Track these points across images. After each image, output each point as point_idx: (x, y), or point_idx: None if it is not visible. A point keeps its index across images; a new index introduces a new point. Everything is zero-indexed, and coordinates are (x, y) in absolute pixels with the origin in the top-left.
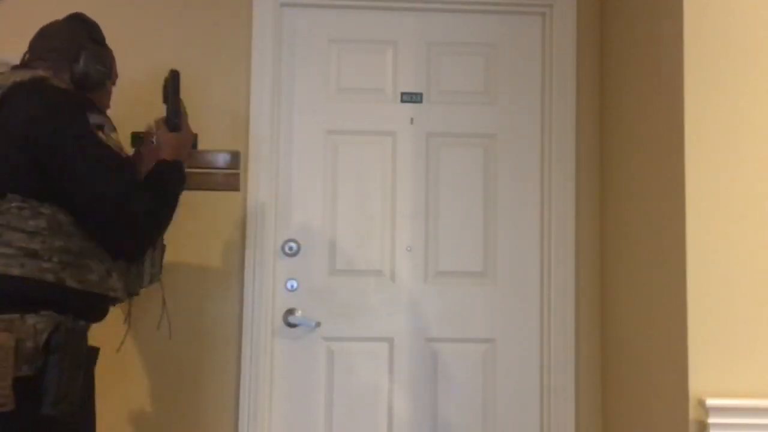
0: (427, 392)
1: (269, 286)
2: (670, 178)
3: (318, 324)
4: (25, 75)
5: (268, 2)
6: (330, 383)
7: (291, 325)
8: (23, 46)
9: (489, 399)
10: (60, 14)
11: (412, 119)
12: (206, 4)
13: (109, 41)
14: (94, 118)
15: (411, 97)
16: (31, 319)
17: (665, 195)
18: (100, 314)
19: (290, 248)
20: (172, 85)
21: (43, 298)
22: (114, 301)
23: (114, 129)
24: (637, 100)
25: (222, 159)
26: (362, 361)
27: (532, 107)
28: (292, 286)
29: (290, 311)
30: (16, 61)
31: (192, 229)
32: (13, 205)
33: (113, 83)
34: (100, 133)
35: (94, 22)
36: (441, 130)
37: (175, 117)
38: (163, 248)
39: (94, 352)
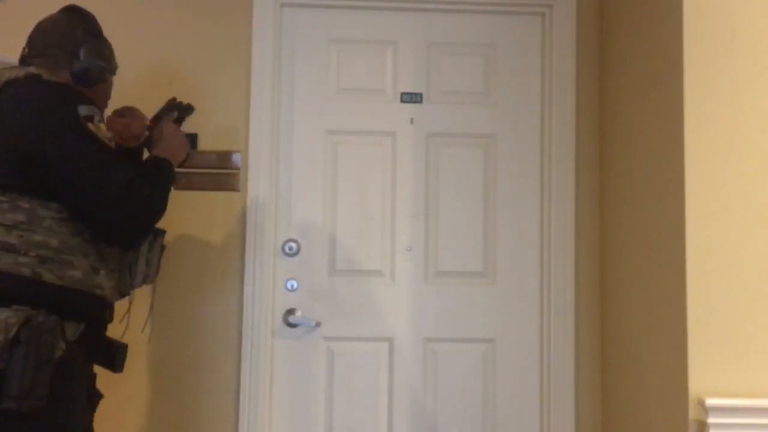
0: (427, 392)
1: (269, 286)
2: (670, 178)
3: (318, 324)
4: (19, 72)
5: (268, 2)
6: (330, 383)
7: (291, 325)
8: (23, 46)
9: (489, 399)
10: None
11: (412, 119)
12: (206, 5)
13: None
14: (83, 110)
15: (411, 97)
16: (3, 314)
17: (665, 195)
18: (92, 314)
19: (290, 248)
20: (179, 114)
21: (19, 293)
22: (103, 301)
23: (102, 120)
24: (636, 100)
25: (222, 159)
26: (362, 361)
27: (532, 107)
28: (292, 286)
29: (290, 311)
30: (17, 61)
31: (192, 229)
32: None
33: (113, 74)
34: (90, 125)
35: (90, 14)
36: (441, 130)
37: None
38: (161, 249)
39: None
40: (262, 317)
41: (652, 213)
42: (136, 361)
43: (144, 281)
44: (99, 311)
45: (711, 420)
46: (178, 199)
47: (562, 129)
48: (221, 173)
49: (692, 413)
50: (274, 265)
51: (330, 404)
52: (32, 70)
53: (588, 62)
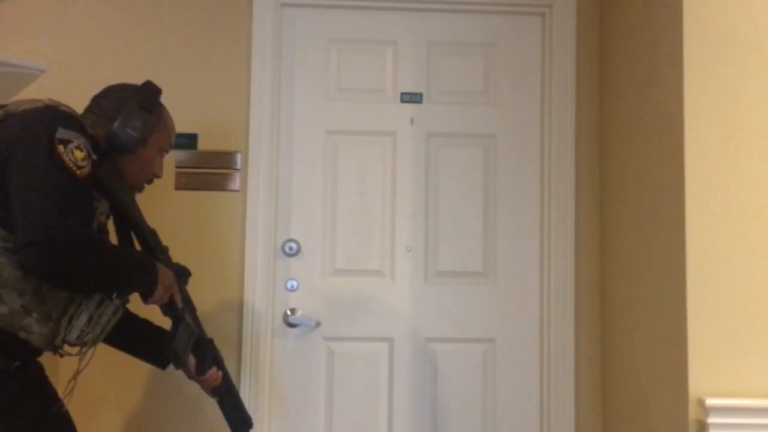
0: (427, 392)
1: (269, 286)
2: (670, 178)
3: (318, 324)
4: (38, 103)
5: (268, 2)
6: (330, 383)
7: (291, 325)
8: (23, 46)
9: (489, 399)
10: (58, 15)
11: (412, 119)
12: (206, 5)
13: (108, 43)
14: (62, 132)
15: (411, 97)
16: None
17: (665, 195)
18: (8, 353)
19: (290, 248)
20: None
21: None
22: (27, 345)
23: (81, 148)
24: (636, 99)
25: (222, 159)
26: (362, 361)
27: (532, 107)
28: (292, 286)
29: (290, 311)
30: (16, 61)
31: (192, 229)
32: None
33: (163, 152)
34: (61, 148)
35: (156, 90)
36: (441, 130)
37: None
38: (114, 313)
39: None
40: (262, 317)
41: (652, 213)
42: (136, 361)
43: (80, 339)
44: (21, 352)
45: (711, 420)
46: (178, 199)
47: (562, 129)
48: (221, 173)
49: (692, 413)
50: (274, 265)
51: (330, 404)
52: (47, 101)
53: (588, 62)
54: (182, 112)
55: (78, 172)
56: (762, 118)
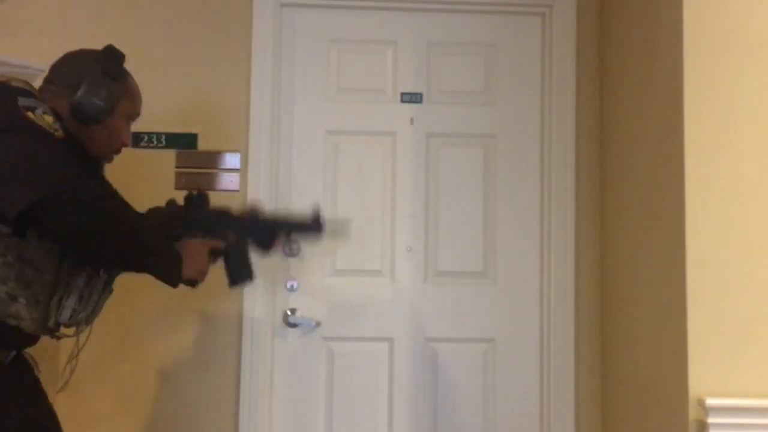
0: (427, 392)
1: (269, 286)
2: (669, 177)
3: (318, 324)
4: None
5: (268, 2)
6: (330, 383)
7: (291, 325)
8: (23, 46)
9: (489, 399)
10: (58, 15)
11: (412, 119)
12: (206, 5)
13: (108, 42)
14: (24, 101)
15: (411, 97)
16: None
17: (665, 195)
18: (1, 344)
19: (290, 248)
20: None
21: None
22: (19, 331)
23: (48, 113)
24: (636, 99)
25: (222, 159)
26: (362, 361)
27: (532, 107)
28: (292, 286)
29: (290, 311)
30: (16, 61)
31: None
32: None
33: (130, 120)
34: (31, 114)
35: (120, 55)
36: (441, 130)
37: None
38: (105, 290)
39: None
40: (262, 317)
41: (652, 213)
42: (136, 361)
43: (72, 318)
44: (15, 341)
45: (711, 420)
46: (178, 199)
47: (562, 129)
48: (221, 173)
49: (692, 413)
50: (274, 265)
51: (330, 404)
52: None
53: (588, 62)
54: (182, 112)
55: (56, 133)
56: (762, 118)
